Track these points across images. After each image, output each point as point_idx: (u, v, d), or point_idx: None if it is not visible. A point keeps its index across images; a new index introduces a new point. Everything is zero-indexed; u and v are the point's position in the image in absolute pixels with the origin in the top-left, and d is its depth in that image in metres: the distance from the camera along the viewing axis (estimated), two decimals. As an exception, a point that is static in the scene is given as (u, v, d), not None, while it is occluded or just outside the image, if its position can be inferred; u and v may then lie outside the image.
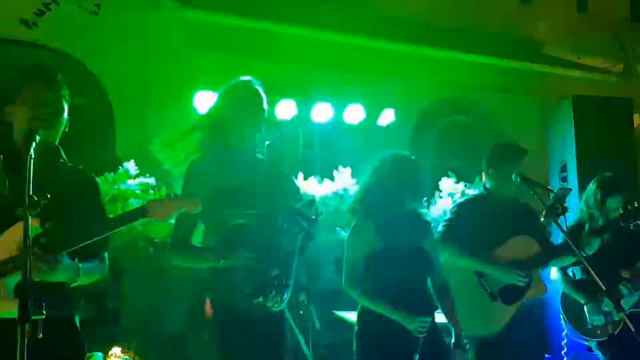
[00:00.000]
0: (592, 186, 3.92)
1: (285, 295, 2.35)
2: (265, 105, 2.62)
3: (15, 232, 2.04)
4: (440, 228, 3.38)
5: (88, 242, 2.16)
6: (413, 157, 3.12)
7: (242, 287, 2.32)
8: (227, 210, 2.42)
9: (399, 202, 3.00)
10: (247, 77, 2.65)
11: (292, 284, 2.38)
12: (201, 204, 2.37)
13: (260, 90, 2.62)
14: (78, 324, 2.35)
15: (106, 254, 2.44)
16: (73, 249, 2.11)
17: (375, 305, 2.87)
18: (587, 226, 3.83)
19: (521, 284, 3.27)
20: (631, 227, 3.49)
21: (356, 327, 2.99)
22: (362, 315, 2.97)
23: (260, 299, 2.30)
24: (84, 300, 2.40)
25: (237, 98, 2.59)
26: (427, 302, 3.02)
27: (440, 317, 3.14)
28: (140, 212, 2.27)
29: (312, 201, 2.34)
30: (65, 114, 2.35)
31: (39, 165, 1.94)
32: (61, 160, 2.36)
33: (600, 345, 3.68)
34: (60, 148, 2.32)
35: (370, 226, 2.94)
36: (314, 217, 2.34)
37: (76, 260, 2.20)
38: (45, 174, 2.00)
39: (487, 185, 3.53)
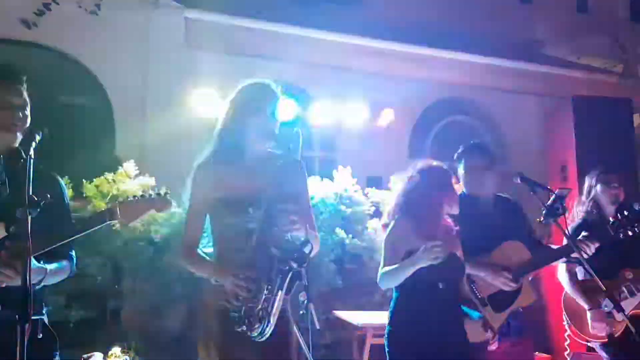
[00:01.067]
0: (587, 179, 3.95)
1: (268, 327, 2.29)
2: (277, 107, 2.55)
3: None
4: None
5: (53, 246, 2.14)
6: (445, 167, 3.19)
7: (227, 309, 2.31)
8: (231, 216, 2.39)
9: (438, 209, 3.09)
10: (263, 79, 2.59)
11: (275, 318, 2.31)
12: (171, 204, 2.33)
13: (275, 91, 2.56)
14: (47, 323, 2.30)
15: (73, 252, 2.40)
16: (37, 253, 2.08)
17: (396, 270, 2.93)
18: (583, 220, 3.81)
19: (507, 289, 3.24)
20: (621, 237, 3.45)
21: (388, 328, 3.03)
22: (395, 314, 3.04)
23: (244, 327, 2.28)
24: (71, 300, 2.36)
25: (248, 100, 2.53)
26: (459, 306, 3.06)
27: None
28: (107, 215, 2.25)
29: (305, 242, 2.28)
30: (28, 115, 2.29)
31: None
32: (22, 160, 2.19)
33: (602, 346, 3.67)
34: (21, 148, 2.13)
35: (409, 226, 3.02)
36: (305, 258, 2.27)
37: (42, 261, 2.17)
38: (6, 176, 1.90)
39: (465, 187, 3.52)
